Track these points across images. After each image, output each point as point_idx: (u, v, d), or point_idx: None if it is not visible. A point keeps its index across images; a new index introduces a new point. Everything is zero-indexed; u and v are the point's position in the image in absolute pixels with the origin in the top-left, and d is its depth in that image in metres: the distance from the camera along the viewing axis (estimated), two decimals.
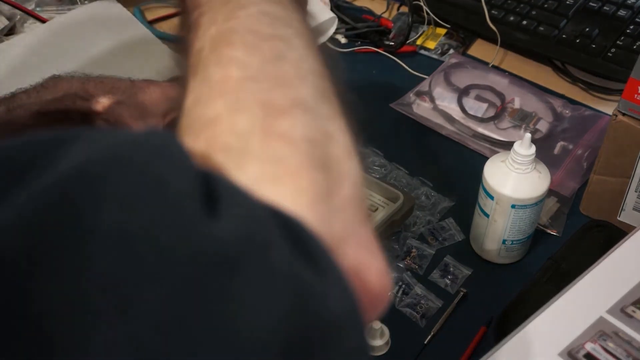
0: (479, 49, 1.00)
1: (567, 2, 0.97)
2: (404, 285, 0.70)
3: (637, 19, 0.93)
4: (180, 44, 0.36)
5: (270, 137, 0.28)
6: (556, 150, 0.84)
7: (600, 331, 0.53)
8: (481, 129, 0.86)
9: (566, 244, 0.71)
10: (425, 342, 0.65)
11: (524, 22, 0.96)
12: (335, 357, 0.24)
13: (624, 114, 0.66)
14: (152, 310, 0.21)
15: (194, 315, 0.22)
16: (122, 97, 0.55)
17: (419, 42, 1.01)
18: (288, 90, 0.30)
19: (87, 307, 0.21)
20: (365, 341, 0.26)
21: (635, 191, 0.69)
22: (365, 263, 0.28)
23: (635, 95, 0.64)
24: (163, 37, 0.95)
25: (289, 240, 0.25)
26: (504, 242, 0.70)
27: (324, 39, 1.03)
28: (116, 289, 0.21)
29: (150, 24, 1.01)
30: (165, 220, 0.23)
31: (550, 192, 0.75)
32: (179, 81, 0.33)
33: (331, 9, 1.03)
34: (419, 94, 0.92)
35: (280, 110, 0.29)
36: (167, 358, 0.21)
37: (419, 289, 0.69)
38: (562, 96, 0.92)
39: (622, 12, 0.94)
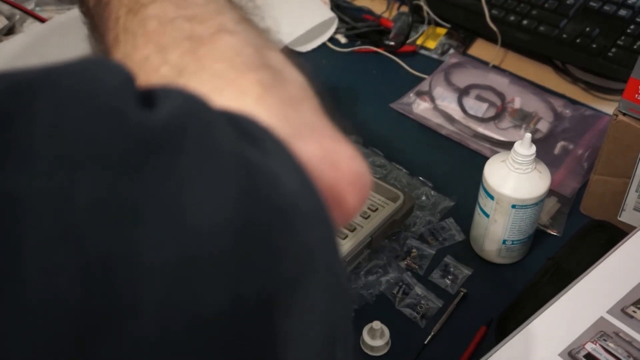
0: (479, 48, 1.00)
1: (568, 2, 0.97)
2: (404, 285, 0.69)
3: (637, 19, 0.93)
4: (91, 25, 0.37)
5: (203, 60, 0.28)
6: (556, 150, 0.84)
7: (601, 331, 0.53)
8: (481, 129, 0.86)
9: (566, 244, 0.71)
10: (425, 342, 0.65)
11: (525, 22, 0.96)
12: (296, 244, 0.23)
13: (624, 114, 0.66)
14: (90, 194, 0.20)
15: (136, 196, 0.21)
16: None
17: (419, 42, 1.01)
18: (208, 22, 0.31)
19: (24, 198, 0.20)
20: (332, 233, 0.25)
21: (636, 191, 0.69)
22: (333, 150, 0.28)
23: (636, 95, 0.64)
24: None
25: (231, 126, 0.24)
26: (504, 242, 0.69)
27: (324, 39, 1.03)
28: (54, 179, 0.20)
29: None
30: (99, 110, 0.22)
31: (550, 192, 0.75)
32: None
33: (331, 9, 1.04)
34: (419, 94, 0.92)
35: (206, 37, 0.30)
36: (109, 242, 0.20)
37: (419, 289, 0.69)
38: (562, 96, 0.92)
39: (622, 12, 0.94)
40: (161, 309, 0.20)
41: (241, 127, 0.25)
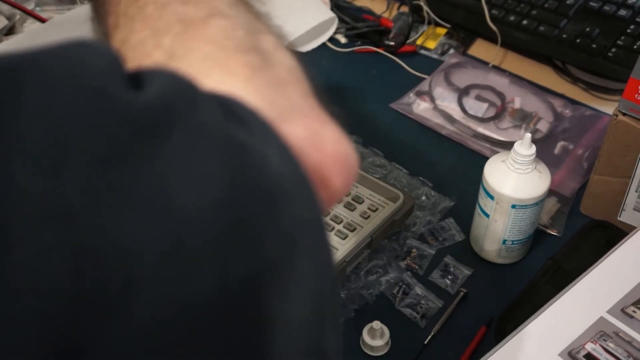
0: (479, 48, 1.00)
1: (568, 2, 0.97)
2: (404, 285, 0.69)
3: (637, 19, 0.93)
4: (94, 7, 0.37)
5: (194, 42, 0.29)
6: (556, 150, 0.84)
7: (601, 331, 0.53)
8: (481, 129, 0.86)
9: (566, 244, 0.71)
10: (425, 342, 0.65)
11: (525, 22, 0.96)
12: (284, 225, 0.23)
13: (624, 114, 0.66)
14: (79, 176, 0.20)
15: (124, 179, 0.21)
16: None
17: (419, 42, 1.01)
18: (202, 4, 0.31)
19: (13, 182, 0.20)
20: (319, 213, 0.26)
21: (636, 191, 0.69)
22: (319, 132, 0.28)
23: (636, 95, 0.64)
24: None
25: (218, 106, 0.24)
26: (504, 242, 0.69)
27: (324, 39, 1.03)
28: (42, 163, 0.20)
29: None
30: (85, 90, 0.22)
31: (550, 192, 0.75)
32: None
33: (331, 9, 1.04)
34: (419, 94, 0.92)
35: (199, 20, 0.30)
36: (99, 226, 0.20)
37: (419, 289, 0.69)
38: (562, 96, 0.92)
39: (622, 12, 0.94)
40: (152, 292, 0.20)
41: (228, 108, 0.25)
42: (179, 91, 0.24)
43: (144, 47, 0.30)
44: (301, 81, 0.30)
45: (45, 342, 0.19)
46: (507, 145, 0.82)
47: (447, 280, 0.70)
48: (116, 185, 0.21)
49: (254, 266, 0.22)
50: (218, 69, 0.27)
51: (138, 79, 0.24)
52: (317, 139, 0.28)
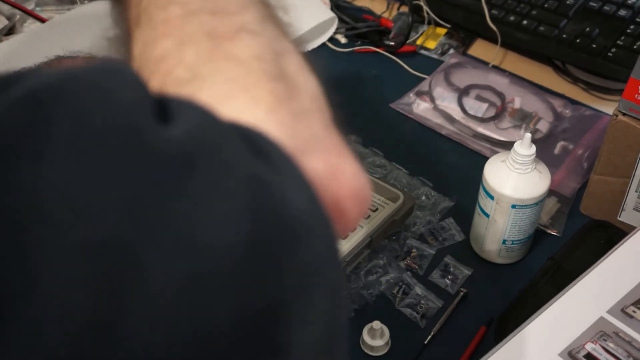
0: (479, 48, 1.00)
1: (568, 2, 0.97)
2: (404, 285, 0.69)
3: (637, 19, 0.93)
4: (115, 2, 0.36)
5: (220, 62, 0.28)
6: (556, 150, 0.84)
7: (601, 331, 0.53)
8: (481, 129, 0.86)
9: (566, 244, 0.71)
10: (425, 342, 0.65)
11: (524, 22, 0.96)
12: (303, 259, 0.24)
13: (624, 114, 0.66)
14: (106, 210, 0.21)
15: (149, 213, 0.21)
16: None
17: (419, 42, 1.01)
18: (231, 18, 0.30)
19: (42, 216, 0.20)
20: (335, 245, 0.26)
21: (636, 191, 0.69)
22: (338, 166, 0.29)
23: (636, 95, 0.64)
24: None
25: (243, 143, 0.25)
26: (504, 242, 0.69)
27: (324, 39, 1.03)
28: (70, 197, 0.21)
29: None
30: (116, 126, 0.22)
31: (550, 192, 0.75)
32: (123, 37, 0.34)
33: (331, 9, 1.04)
34: (419, 94, 0.92)
35: (226, 36, 0.29)
36: (124, 262, 0.21)
37: (419, 289, 0.69)
38: (562, 96, 0.92)
39: (622, 12, 0.94)
40: (172, 322, 0.21)
41: (252, 142, 0.25)
42: (207, 129, 0.24)
43: (166, 63, 0.29)
44: (323, 110, 0.30)
45: None
46: (507, 145, 0.82)
47: (447, 280, 0.70)
48: (142, 221, 0.21)
49: (274, 299, 0.23)
50: (243, 95, 0.27)
51: (165, 109, 0.24)
52: (336, 173, 0.28)
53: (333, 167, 0.28)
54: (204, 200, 0.22)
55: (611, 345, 0.52)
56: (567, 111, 0.89)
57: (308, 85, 0.30)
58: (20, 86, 0.23)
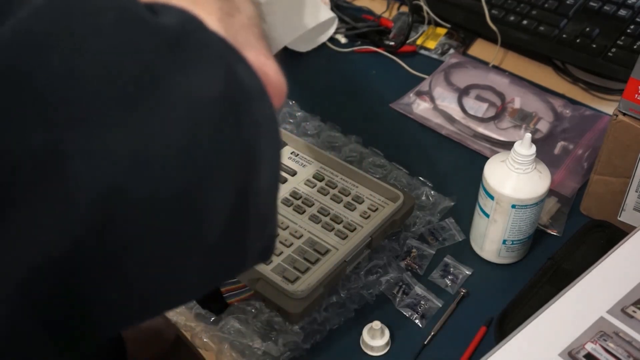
0: (479, 48, 1.00)
1: (568, 2, 0.97)
2: (404, 285, 0.69)
3: (637, 19, 0.93)
4: None
5: None
6: (556, 150, 0.84)
7: (601, 331, 0.53)
8: (481, 129, 0.86)
9: (566, 244, 0.71)
10: (425, 342, 0.65)
11: (524, 22, 0.96)
12: (254, 119, 0.34)
13: (624, 114, 0.66)
14: (135, 68, 0.29)
15: (162, 80, 0.30)
16: None
17: (419, 42, 1.01)
18: None
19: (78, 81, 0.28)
20: (274, 112, 0.36)
21: (636, 191, 0.69)
22: (265, 63, 0.37)
23: (636, 95, 0.64)
24: None
25: (214, 34, 0.34)
26: (504, 242, 0.69)
27: (324, 38, 1.03)
28: (101, 59, 0.29)
29: None
30: (127, 17, 0.30)
31: (550, 192, 0.75)
32: None
33: (331, 9, 1.04)
34: (419, 94, 0.92)
35: None
36: (142, 113, 0.29)
37: (419, 289, 0.69)
38: (562, 96, 0.92)
39: (622, 12, 0.94)
40: (181, 152, 0.30)
41: (217, 36, 0.35)
42: (187, 19, 0.33)
43: None
44: (257, 26, 0.40)
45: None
46: (507, 145, 0.82)
47: (447, 280, 0.70)
48: (158, 80, 0.30)
49: (247, 144, 0.33)
50: (198, 9, 0.35)
51: (152, 9, 0.32)
52: (263, 68, 0.37)
53: (261, 63, 0.37)
54: (193, 65, 0.31)
55: (611, 345, 0.52)
56: (567, 111, 0.89)
57: (246, 8, 0.39)
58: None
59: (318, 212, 0.72)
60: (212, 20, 0.36)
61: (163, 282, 0.33)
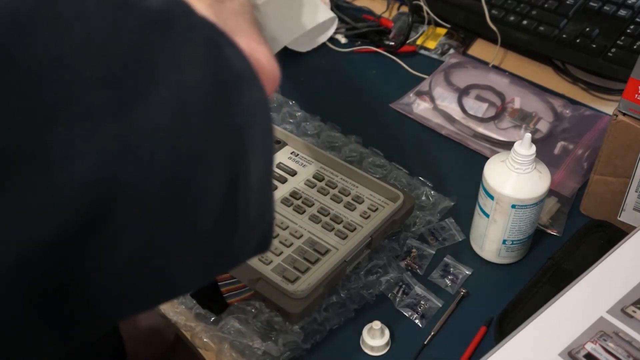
0: (479, 48, 1.00)
1: (568, 2, 0.97)
2: (404, 285, 0.69)
3: (637, 19, 0.93)
4: None
5: None
6: (556, 150, 0.84)
7: (601, 331, 0.53)
8: (481, 129, 0.86)
9: (566, 244, 0.71)
10: (425, 342, 0.65)
11: (524, 22, 0.96)
12: (245, 103, 0.33)
13: (624, 114, 0.66)
14: (126, 44, 0.29)
15: (152, 60, 0.30)
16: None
17: (419, 42, 1.01)
18: None
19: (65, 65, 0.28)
20: (266, 97, 0.36)
21: (636, 191, 0.69)
22: (256, 49, 0.37)
23: (636, 95, 0.64)
24: None
25: (197, 15, 0.33)
26: (504, 242, 0.69)
27: (324, 39, 1.03)
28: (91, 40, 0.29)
29: None
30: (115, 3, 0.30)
31: (550, 192, 0.75)
32: None
33: (331, 9, 1.04)
34: (419, 94, 0.92)
35: None
36: (138, 82, 0.29)
37: (419, 289, 0.69)
38: (562, 96, 0.92)
39: (622, 12, 0.94)
40: (170, 134, 0.30)
41: (206, 20, 0.34)
42: (175, 2, 0.32)
43: None
44: (249, 13, 0.39)
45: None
46: (507, 145, 0.82)
47: (447, 280, 0.70)
48: (147, 60, 0.30)
49: (237, 127, 0.33)
50: None
51: None
52: (254, 54, 0.36)
53: (252, 49, 0.37)
54: (180, 47, 0.31)
55: (611, 345, 0.52)
56: (567, 111, 0.89)
57: None
58: None
59: (318, 212, 0.72)
60: (202, 7, 0.35)
61: (158, 269, 0.32)
